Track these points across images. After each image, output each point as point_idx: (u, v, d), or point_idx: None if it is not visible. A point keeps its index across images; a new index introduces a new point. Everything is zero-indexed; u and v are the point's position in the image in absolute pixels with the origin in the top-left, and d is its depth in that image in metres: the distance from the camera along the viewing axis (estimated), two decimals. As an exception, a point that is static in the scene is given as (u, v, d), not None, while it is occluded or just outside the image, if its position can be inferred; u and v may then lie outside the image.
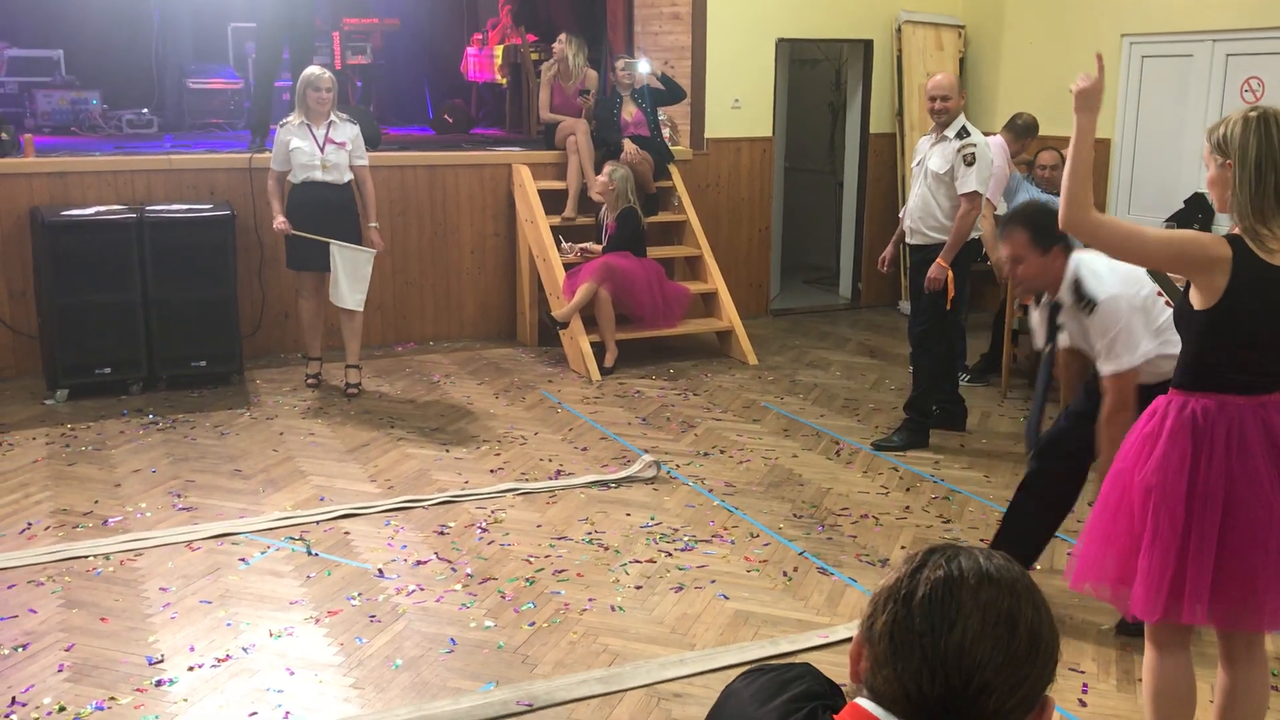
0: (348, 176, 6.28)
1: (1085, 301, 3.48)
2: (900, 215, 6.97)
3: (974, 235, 5.65)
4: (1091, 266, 3.50)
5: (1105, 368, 3.45)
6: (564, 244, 7.36)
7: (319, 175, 6.20)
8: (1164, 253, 2.67)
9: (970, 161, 5.36)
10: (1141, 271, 3.45)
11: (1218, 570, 2.62)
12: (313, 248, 6.25)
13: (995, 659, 1.20)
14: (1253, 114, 2.61)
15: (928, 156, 5.58)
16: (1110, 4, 7.77)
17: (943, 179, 5.48)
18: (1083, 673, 3.54)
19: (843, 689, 1.38)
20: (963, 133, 5.46)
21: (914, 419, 5.69)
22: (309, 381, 6.59)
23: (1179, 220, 6.72)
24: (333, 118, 6.24)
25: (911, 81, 8.56)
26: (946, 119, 5.51)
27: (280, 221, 6.20)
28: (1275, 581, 2.62)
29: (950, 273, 5.46)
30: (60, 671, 3.46)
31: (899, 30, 8.64)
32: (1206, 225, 6.61)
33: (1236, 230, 2.63)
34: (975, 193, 5.40)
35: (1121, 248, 2.72)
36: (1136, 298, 3.46)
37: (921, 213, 5.59)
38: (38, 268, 6.37)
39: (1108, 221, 2.73)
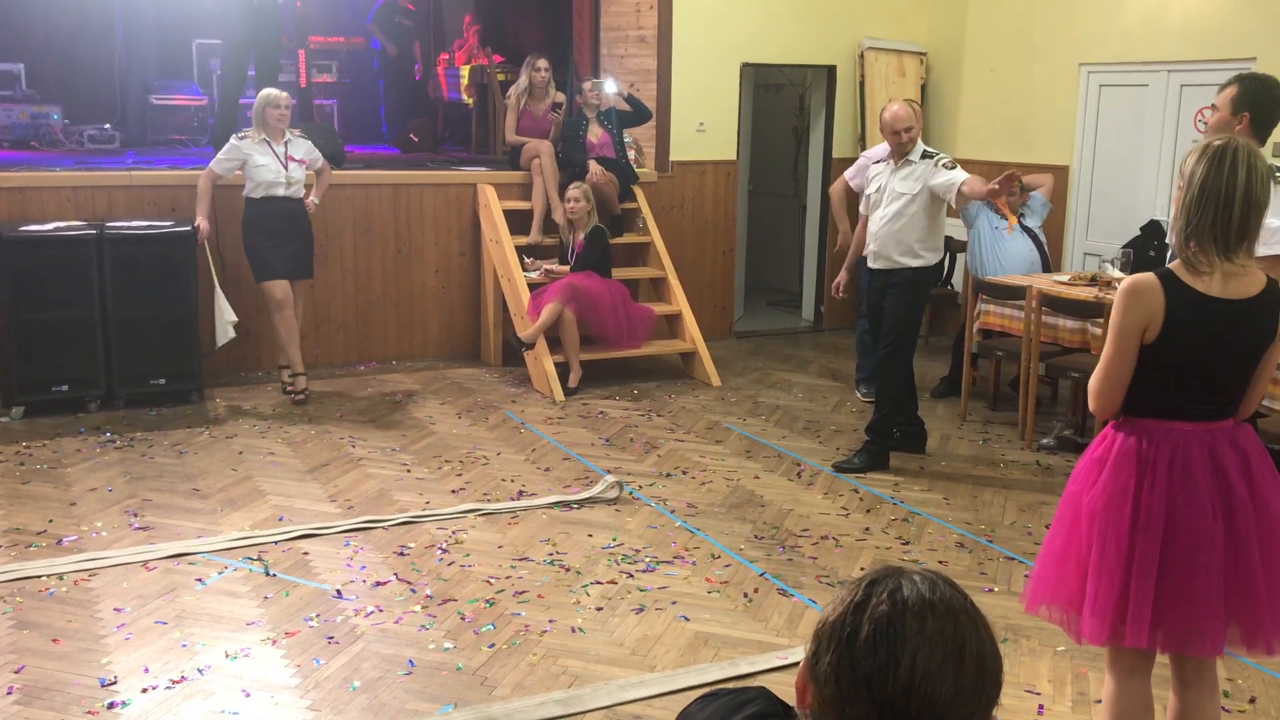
0: (304, 192, 6.57)
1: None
2: (838, 241, 7.08)
3: (934, 260, 5.71)
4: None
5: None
6: (527, 260, 7.37)
7: (282, 191, 6.42)
8: (1129, 347, 2.65)
9: (952, 165, 5.44)
10: None
11: (1160, 595, 2.64)
12: (277, 254, 6.45)
13: (945, 694, 1.19)
14: (1216, 143, 2.64)
15: (890, 183, 5.61)
16: (1069, 33, 7.91)
17: (918, 198, 5.52)
18: (1038, 694, 3.57)
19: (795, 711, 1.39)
20: (927, 153, 5.54)
21: (874, 441, 5.73)
22: (297, 398, 6.63)
23: (1134, 246, 6.83)
24: (287, 135, 6.48)
25: (874, 107, 8.65)
26: (911, 147, 5.54)
27: (204, 226, 6.38)
28: (1218, 607, 2.64)
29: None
30: (10, 694, 3.41)
31: (862, 56, 8.74)
32: (1161, 252, 6.72)
33: (1173, 265, 2.67)
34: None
35: (1121, 378, 2.68)
36: None
37: (892, 239, 5.58)
38: (-6, 283, 6.29)
39: (1113, 384, 2.70)
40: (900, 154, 5.55)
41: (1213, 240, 2.61)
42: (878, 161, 5.81)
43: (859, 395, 7.06)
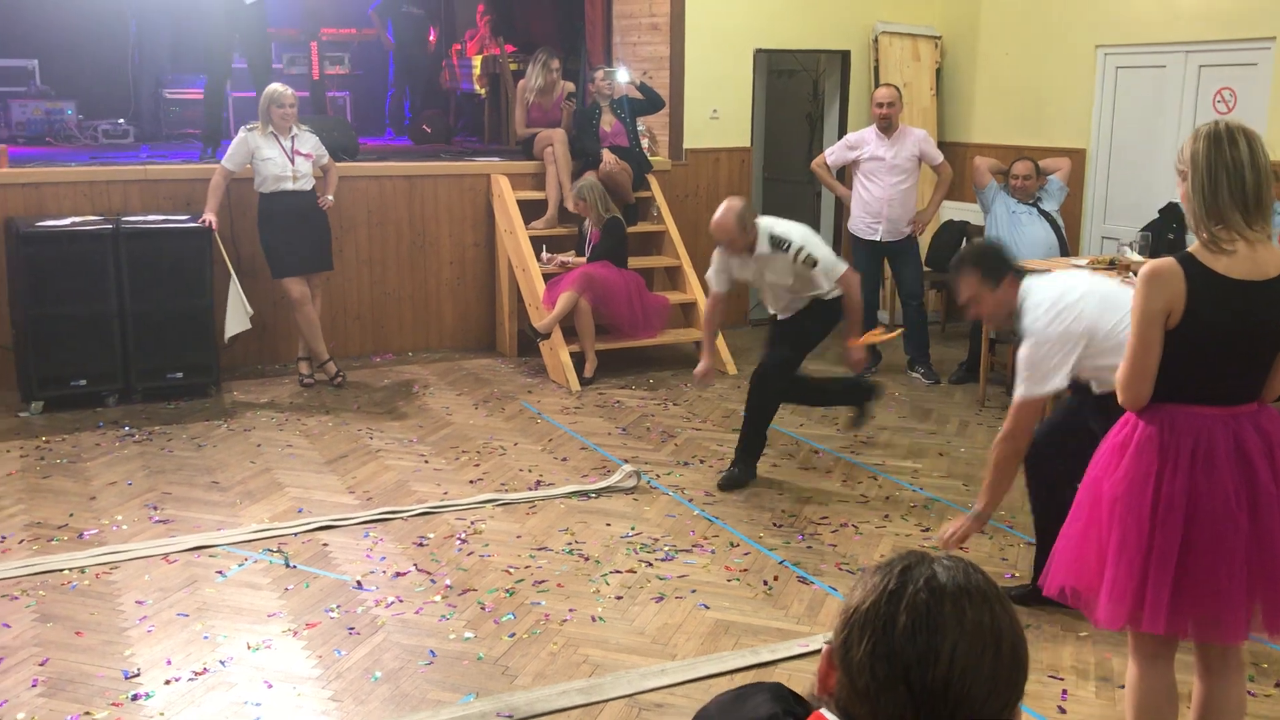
0: (313, 183, 6.61)
1: (1020, 330, 3.48)
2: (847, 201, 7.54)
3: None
4: (1036, 297, 3.45)
5: (1015, 392, 3.43)
6: (543, 254, 7.36)
7: (290, 185, 6.49)
8: (1153, 334, 2.61)
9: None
10: (1123, 296, 3.36)
11: (1182, 582, 2.62)
12: (293, 251, 6.54)
13: (981, 690, 1.18)
14: (1204, 126, 2.63)
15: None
16: (1085, 15, 7.84)
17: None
18: (1061, 679, 3.55)
19: (807, 698, 1.38)
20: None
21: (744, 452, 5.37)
22: (335, 381, 6.78)
23: (1153, 229, 6.78)
24: (294, 129, 6.53)
25: (889, 92, 8.61)
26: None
27: (211, 220, 6.39)
28: (1241, 595, 2.61)
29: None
30: (34, 686, 3.43)
31: (876, 41, 8.68)
32: (1180, 235, 6.67)
33: (1192, 248, 2.64)
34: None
35: (1149, 367, 2.65)
36: (1078, 328, 3.33)
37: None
38: (12, 279, 6.32)
39: (1140, 373, 2.66)
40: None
41: (1235, 209, 2.56)
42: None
43: (918, 378, 7.13)
